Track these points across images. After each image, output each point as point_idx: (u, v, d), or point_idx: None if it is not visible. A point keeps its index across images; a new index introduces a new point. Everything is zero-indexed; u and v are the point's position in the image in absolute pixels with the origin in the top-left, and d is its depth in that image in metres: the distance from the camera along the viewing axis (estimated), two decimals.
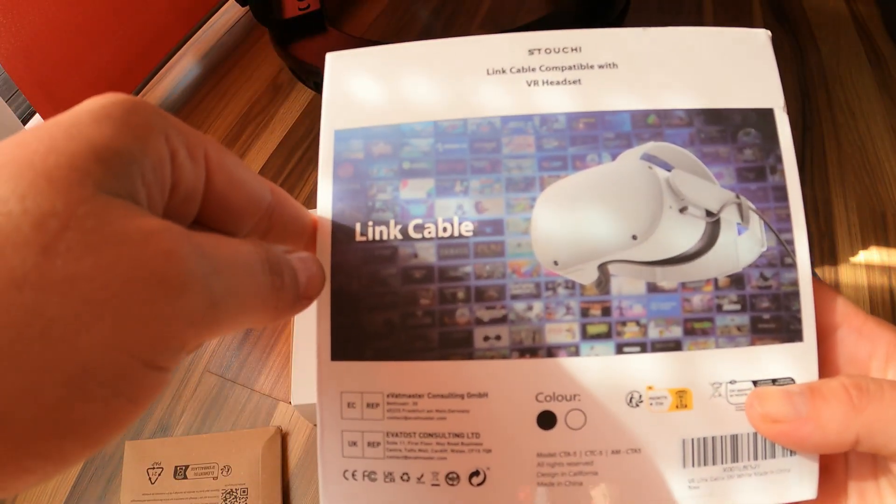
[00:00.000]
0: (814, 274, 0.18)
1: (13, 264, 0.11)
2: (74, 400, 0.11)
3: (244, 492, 0.47)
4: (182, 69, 0.91)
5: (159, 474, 0.48)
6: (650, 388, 0.17)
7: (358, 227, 0.18)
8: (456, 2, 0.94)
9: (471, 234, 0.18)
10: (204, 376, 0.55)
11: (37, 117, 0.79)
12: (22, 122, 0.68)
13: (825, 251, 0.59)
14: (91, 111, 0.14)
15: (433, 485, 0.17)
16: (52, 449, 0.11)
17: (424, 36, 0.89)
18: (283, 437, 0.51)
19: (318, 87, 0.83)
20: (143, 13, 0.78)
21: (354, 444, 0.17)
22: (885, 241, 0.59)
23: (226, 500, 0.46)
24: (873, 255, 0.58)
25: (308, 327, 0.49)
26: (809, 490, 0.17)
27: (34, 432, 0.11)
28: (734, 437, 0.17)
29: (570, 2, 0.84)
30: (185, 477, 0.48)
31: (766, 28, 0.20)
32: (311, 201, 0.68)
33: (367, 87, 0.19)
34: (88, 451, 0.12)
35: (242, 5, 0.91)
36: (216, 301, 0.13)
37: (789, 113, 0.19)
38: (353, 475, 0.17)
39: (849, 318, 0.18)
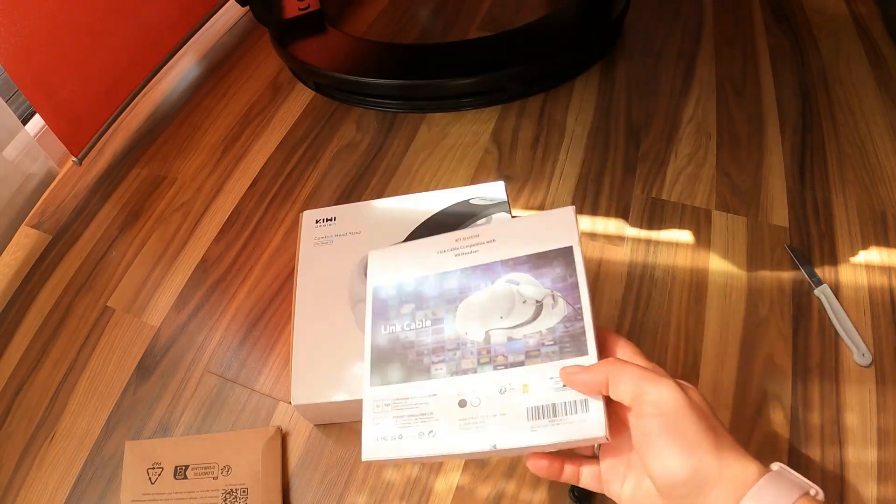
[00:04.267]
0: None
1: None
2: None
3: (244, 492, 0.47)
4: (182, 69, 0.91)
5: (159, 474, 0.48)
6: (510, 384, 0.35)
7: (382, 327, 0.40)
8: (456, 2, 0.94)
9: (429, 325, 0.39)
10: (204, 376, 0.55)
11: (37, 117, 0.79)
12: (22, 122, 0.68)
13: (825, 251, 0.59)
14: None
15: (420, 434, 0.35)
16: None
17: (424, 36, 0.89)
18: (283, 437, 0.51)
19: (318, 87, 0.83)
20: (143, 13, 0.78)
21: (378, 423, 0.36)
22: (885, 241, 0.59)
23: (226, 500, 0.46)
24: (873, 255, 0.58)
25: (308, 328, 0.49)
26: (599, 430, 0.32)
27: None
28: (553, 405, 0.34)
29: (570, 2, 0.84)
30: (185, 477, 0.48)
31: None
32: (310, 201, 0.68)
33: (387, 264, 0.43)
34: None
35: (242, 5, 0.91)
36: None
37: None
38: (384, 438, 0.36)
39: (620, 348, 0.35)
